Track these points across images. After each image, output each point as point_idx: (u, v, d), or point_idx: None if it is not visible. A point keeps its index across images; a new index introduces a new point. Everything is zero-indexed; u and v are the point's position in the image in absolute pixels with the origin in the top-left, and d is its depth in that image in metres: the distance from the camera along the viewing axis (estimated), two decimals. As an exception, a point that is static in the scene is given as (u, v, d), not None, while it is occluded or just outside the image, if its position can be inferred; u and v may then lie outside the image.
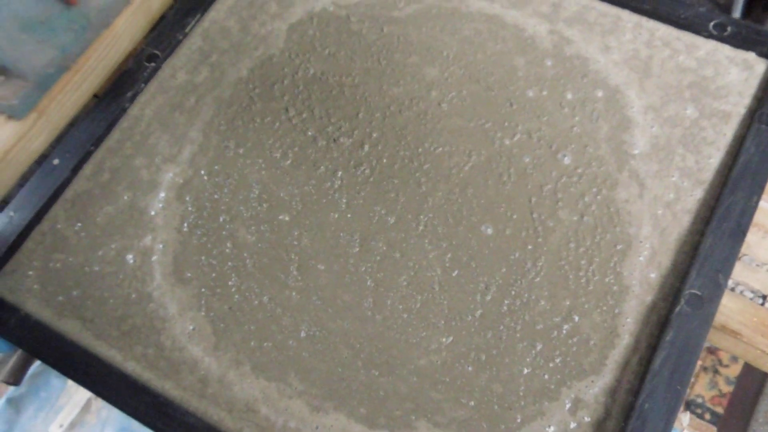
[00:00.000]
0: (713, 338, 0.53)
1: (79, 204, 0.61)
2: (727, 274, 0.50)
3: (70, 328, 0.56)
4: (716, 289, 0.50)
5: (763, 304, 0.55)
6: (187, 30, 0.68)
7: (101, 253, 0.58)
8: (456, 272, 0.55)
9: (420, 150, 0.60)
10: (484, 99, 0.61)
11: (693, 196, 0.55)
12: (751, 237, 0.56)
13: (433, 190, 0.58)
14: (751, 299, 0.55)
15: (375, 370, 0.53)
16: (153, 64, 0.67)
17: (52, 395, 0.76)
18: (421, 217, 0.57)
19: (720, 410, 1.32)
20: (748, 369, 0.78)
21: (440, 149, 0.60)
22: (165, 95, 0.65)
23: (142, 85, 0.66)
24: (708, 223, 0.52)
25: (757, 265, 0.56)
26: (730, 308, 0.53)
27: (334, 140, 0.61)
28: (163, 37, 0.68)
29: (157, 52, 0.67)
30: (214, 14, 0.69)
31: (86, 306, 0.57)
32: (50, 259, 0.58)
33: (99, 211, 0.60)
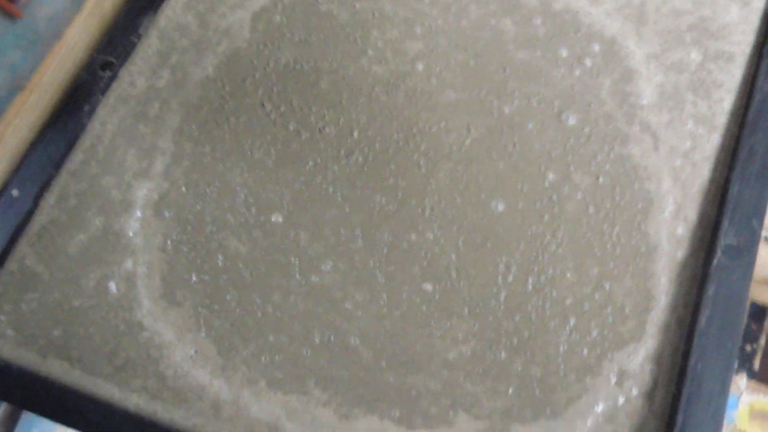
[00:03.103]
0: (753, 292, 0.50)
1: (47, 236, 0.55)
2: (761, 218, 0.47)
3: (57, 370, 0.50)
4: (752, 235, 0.47)
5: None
6: (140, 31, 0.62)
7: (79, 285, 0.52)
8: (472, 255, 0.51)
9: (414, 130, 0.56)
10: (474, 67, 0.57)
11: (711, 142, 0.52)
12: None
13: (435, 171, 0.54)
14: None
15: (402, 368, 0.48)
16: (109, 73, 0.61)
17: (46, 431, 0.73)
18: (426, 201, 0.53)
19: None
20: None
21: (436, 126, 0.56)
22: (126, 105, 0.59)
23: (100, 96, 0.60)
24: (732, 168, 0.49)
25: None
26: None
27: (319, 131, 0.57)
28: (115, 42, 0.62)
29: (111, 58, 0.61)
30: (168, 11, 0.63)
31: (71, 345, 0.51)
32: (23, 300, 0.52)
33: (70, 241, 0.54)
